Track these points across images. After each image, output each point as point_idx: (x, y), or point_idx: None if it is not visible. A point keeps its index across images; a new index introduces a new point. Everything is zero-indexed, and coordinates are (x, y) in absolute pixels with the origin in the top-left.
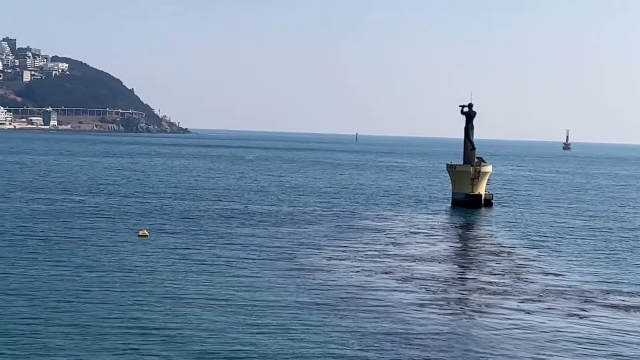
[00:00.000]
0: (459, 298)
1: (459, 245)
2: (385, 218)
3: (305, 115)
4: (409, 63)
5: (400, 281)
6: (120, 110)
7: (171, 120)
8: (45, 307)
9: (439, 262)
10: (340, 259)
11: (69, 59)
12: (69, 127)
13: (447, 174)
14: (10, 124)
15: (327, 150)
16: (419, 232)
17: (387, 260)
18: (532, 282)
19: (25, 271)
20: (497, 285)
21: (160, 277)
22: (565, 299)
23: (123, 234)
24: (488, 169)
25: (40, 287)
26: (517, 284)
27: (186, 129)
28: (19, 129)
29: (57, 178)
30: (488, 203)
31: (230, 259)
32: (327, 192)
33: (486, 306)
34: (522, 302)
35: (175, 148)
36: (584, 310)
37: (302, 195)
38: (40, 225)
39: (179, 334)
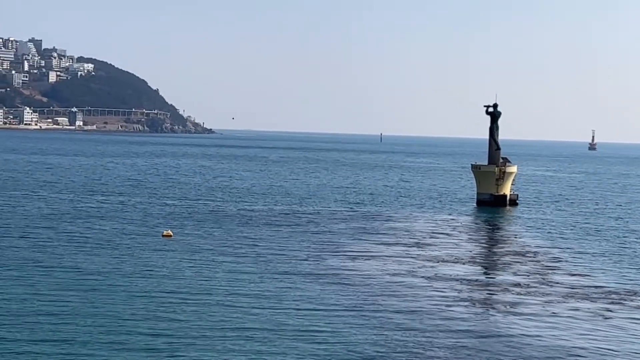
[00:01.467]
0: (484, 299)
1: (484, 245)
2: (410, 219)
3: (329, 116)
4: (434, 63)
5: (425, 282)
6: (145, 110)
7: (196, 121)
8: (69, 307)
9: (464, 263)
10: (365, 260)
11: (94, 59)
12: (94, 127)
13: (472, 174)
14: (36, 124)
15: (352, 151)
16: (443, 233)
17: (412, 261)
18: (557, 283)
19: (49, 272)
20: (522, 286)
21: (185, 278)
22: (591, 300)
23: (147, 234)
24: (513, 169)
25: (65, 288)
26: (542, 284)
27: (211, 129)
28: (45, 129)
29: (80, 178)
30: (513, 203)
31: (254, 261)
32: (352, 193)
33: (511, 307)
34: (547, 303)
35: (200, 148)
36: (610, 312)
37: (326, 195)
38: (64, 226)
39: (203, 336)
